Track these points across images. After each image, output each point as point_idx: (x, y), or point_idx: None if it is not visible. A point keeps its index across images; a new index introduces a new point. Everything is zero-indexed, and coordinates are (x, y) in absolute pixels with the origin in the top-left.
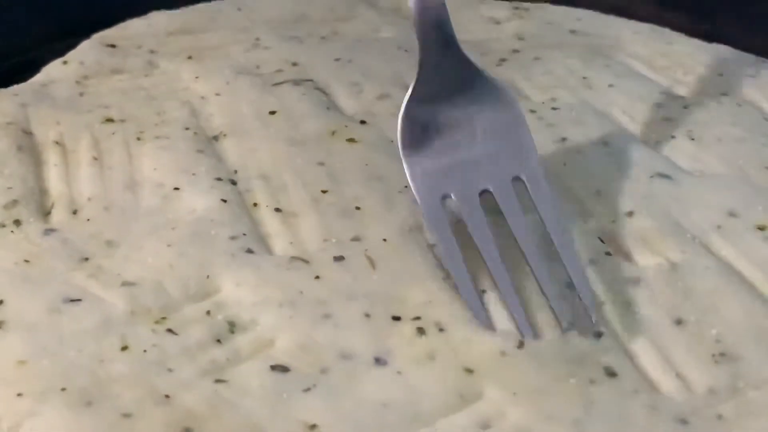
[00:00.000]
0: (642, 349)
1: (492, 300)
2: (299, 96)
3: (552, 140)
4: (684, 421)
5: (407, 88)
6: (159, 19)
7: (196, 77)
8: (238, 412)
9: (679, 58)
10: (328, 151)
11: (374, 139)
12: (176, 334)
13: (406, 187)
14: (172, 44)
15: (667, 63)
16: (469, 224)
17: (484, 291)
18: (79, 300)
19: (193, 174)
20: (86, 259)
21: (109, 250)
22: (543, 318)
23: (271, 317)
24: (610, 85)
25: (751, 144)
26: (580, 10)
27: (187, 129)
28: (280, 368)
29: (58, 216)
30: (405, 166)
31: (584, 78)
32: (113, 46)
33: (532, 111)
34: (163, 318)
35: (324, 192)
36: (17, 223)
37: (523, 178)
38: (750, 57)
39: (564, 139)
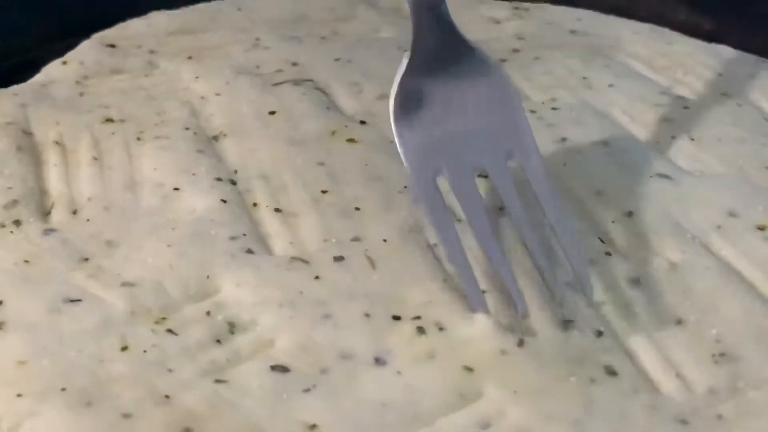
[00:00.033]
0: (642, 349)
1: (490, 300)
2: (299, 96)
3: (552, 140)
4: (684, 421)
5: None
6: (159, 19)
7: (196, 77)
8: (238, 412)
9: (679, 58)
10: (328, 151)
11: (374, 139)
12: (176, 335)
13: (405, 187)
14: (172, 44)
15: (667, 63)
16: (460, 198)
17: (484, 292)
18: (79, 300)
19: (193, 174)
20: (86, 259)
21: (109, 250)
22: (543, 318)
23: (271, 317)
24: (610, 85)
25: (751, 144)
26: (580, 10)
27: (187, 129)
28: (280, 368)
29: (58, 216)
30: (397, 140)
31: (584, 78)
32: (113, 46)
33: (532, 111)
34: (163, 318)
35: (324, 192)
36: (17, 223)
37: (517, 152)
38: (750, 57)
39: (564, 139)
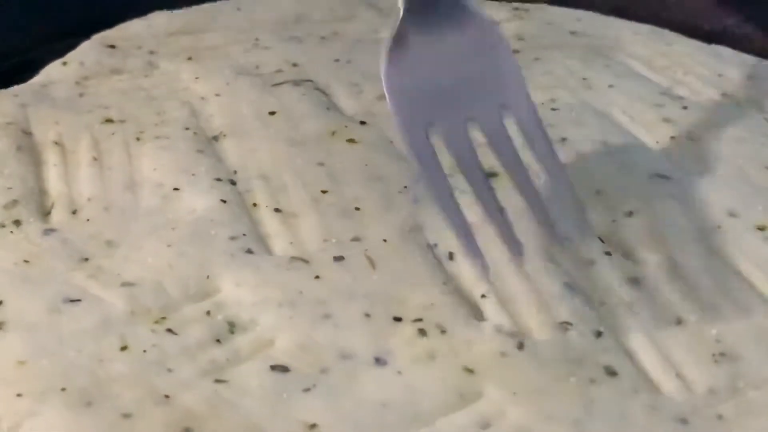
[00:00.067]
0: (642, 349)
1: (490, 304)
2: (299, 96)
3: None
4: (684, 421)
5: None
6: (159, 19)
7: (196, 77)
8: (238, 412)
9: (679, 58)
10: (328, 151)
11: (374, 139)
12: (176, 334)
13: (405, 187)
14: (172, 44)
15: (667, 63)
16: (453, 150)
17: (483, 296)
18: (78, 300)
19: (193, 174)
20: (86, 259)
21: (108, 250)
22: (542, 319)
23: (270, 317)
24: (610, 86)
25: (751, 144)
26: (580, 11)
27: (187, 129)
28: (280, 368)
29: (57, 216)
30: (385, 88)
31: (584, 78)
32: (113, 46)
33: None
34: (163, 318)
35: (324, 192)
36: (17, 223)
37: (509, 101)
38: (750, 57)
39: (564, 140)
